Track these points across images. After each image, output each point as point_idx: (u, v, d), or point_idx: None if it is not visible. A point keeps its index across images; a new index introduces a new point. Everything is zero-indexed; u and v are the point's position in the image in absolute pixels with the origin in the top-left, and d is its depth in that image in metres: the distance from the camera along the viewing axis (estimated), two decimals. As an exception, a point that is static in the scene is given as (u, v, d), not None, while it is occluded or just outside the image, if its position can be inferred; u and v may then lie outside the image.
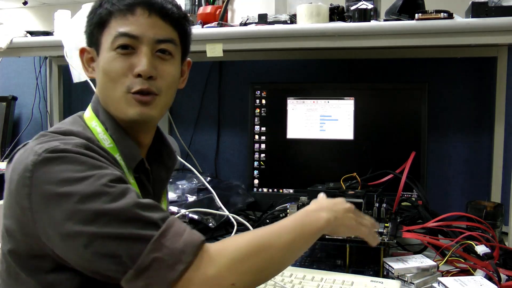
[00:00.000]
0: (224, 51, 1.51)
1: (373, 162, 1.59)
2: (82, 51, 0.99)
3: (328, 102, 1.69)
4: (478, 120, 1.72)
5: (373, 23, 1.39)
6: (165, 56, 0.94)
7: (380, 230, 1.27)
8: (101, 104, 0.96)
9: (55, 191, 0.77)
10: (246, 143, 1.80)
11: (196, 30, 1.40)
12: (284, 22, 1.47)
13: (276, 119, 1.73)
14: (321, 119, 1.69)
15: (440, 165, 1.75)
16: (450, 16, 1.30)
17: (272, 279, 1.08)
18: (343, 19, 1.48)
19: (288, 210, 1.39)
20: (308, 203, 1.42)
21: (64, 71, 2.15)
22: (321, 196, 1.06)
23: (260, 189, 1.76)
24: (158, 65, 0.93)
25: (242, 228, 1.49)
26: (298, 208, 1.39)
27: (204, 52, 1.52)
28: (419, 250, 1.37)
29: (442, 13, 1.30)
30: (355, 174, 1.48)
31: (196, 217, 1.49)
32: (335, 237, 1.23)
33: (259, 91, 1.75)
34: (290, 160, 1.73)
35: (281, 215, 1.62)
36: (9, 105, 2.25)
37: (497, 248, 1.23)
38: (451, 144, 1.75)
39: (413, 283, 1.16)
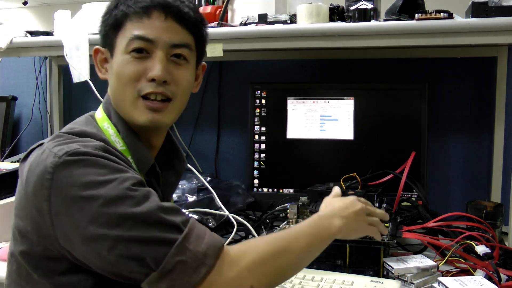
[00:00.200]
0: (224, 51, 1.51)
1: (373, 162, 1.59)
2: (96, 52, 0.98)
3: (328, 102, 1.69)
4: (478, 120, 1.72)
5: (373, 23, 1.39)
6: (180, 61, 0.94)
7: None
8: (113, 106, 0.96)
9: (78, 194, 0.77)
10: (246, 143, 1.80)
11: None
12: (284, 22, 1.47)
13: (276, 119, 1.73)
14: (321, 119, 1.69)
15: (440, 165, 1.75)
16: (450, 16, 1.30)
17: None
18: (343, 19, 1.48)
19: (288, 210, 1.39)
20: (308, 203, 1.43)
21: (64, 71, 2.15)
22: (335, 192, 1.11)
23: (260, 189, 1.76)
24: (173, 70, 0.93)
25: (242, 228, 1.49)
26: (298, 208, 1.40)
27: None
28: (419, 250, 1.36)
29: (442, 13, 1.30)
30: (355, 174, 1.48)
31: (196, 217, 1.49)
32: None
33: (259, 91, 1.75)
34: (290, 160, 1.73)
35: (281, 215, 1.62)
36: (9, 105, 2.25)
37: (497, 248, 1.23)
38: (451, 144, 1.75)
39: (413, 283, 1.16)
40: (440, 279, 1.12)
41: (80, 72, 1.65)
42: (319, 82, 1.83)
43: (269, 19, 1.49)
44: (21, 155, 2.17)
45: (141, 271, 0.75)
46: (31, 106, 2.30)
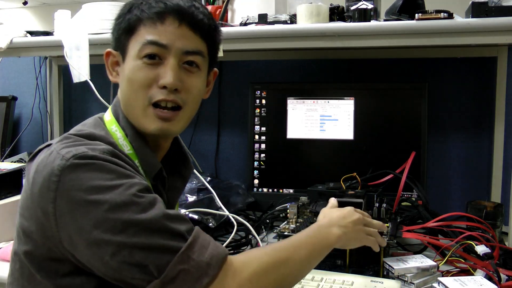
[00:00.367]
0: (224, 51, 1.50)
1: (373, 162, 1.59)
2: (108, 54, 0.98)
3: (328, 102, 1.69)
4: (478, 120, 1.72)
5: (373, 23, 1.39)
6: (192, 69, 0.93)
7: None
8: (122, 110, 0.96)
9: (83, 198, 0.77)
10: (246, 143, 1.80)
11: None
12: (284, 22, 1.47)
13: (276, 119, 1.73)
14: (321, 119, 1.69)
15: (440, 165, 1.75)
16: (450, 16, 1.30)
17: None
18: (343, 19, 1.48)
19: (288, 210, 1.39)
20: (308, 203, 1.43)
21: (64, 71, 2.15)
22: (332, 203, 1.14)
23: (260, 189, 1.76)
24: (184, 77, 0.92)
25: (242, 228, 1.49)
26: (298, 208, 1.40)
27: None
28: (419, 250, 1.36)
29: (442, 13, 1.30)
30: (355, 174, 1.48)
31: (196, 217, 1.49)
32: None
33: (259, 91, 1.75)
34: (290, 160, 1.73)
35: (281, 215, 1.62)
36: (9, 105, 2.25)
37: (497, 248, 1.23)
38: (451, 144, 1.75)
39: (413, 283, 1.16)
40: (440, 279, 1.12)
41: (80, 72, 1.65)
42: (319, 82, 1.83)
43: (269, 19, 1.49)
44: (21, 155, 2.17)
45: (143, 278, 0.75)
46: (31, 106, 2.30)
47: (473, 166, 1.73)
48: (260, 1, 1.57)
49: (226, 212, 1.53)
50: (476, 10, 1.28)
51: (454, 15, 1.31)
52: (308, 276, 1.14)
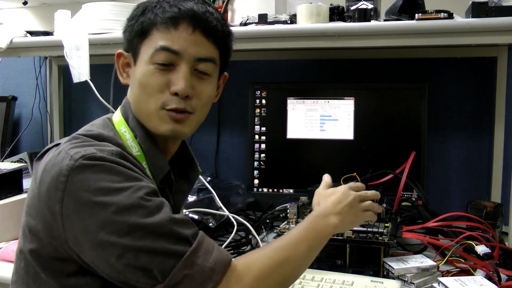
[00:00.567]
0: (224, 51, 1.51)
1: (373, 162, 1.59)
2: (119, 56, 0.98)
3: (328, 102, 1.69)
4: (478, 120, 1.72)
5: (373, 23, 1.39)
6: (203, 75, 0.93)
7: (380, 230, 1.27)
8: (132, 111, 0.95)
9: (91, 199, 0.77)
10: (246, 143, 1.80)
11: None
12: (284, 22, 1.47)
13: (276, 119, 1.73)
14: (321, 119, 1.69)
15: (440, 165, 1.75)
16: (450, 16, 1.30)
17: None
18: (343, 19, 1.48)
19: (288, 210, 1.39)
20: (308, 203, 1.43)
21: (64, 71, 2.15)
22: (325, 181, 1.15)
23: (260, 189, 1.76)
24: (195, 84, 0.92)
25: (242, 228, 1.49)
26: (298, 208, 1.40)
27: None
28: (419, 250, 1.36)
29: (442, 13, 1.30)
30: (355, 174, 1.48)
31: (196, 217, 1.49)
32: (335, 237, 1.23)
33: (259, 91, 1.75)
34: (290, 160, 1.73)
35: (281, 215, 1.62)
36: (9, 105, 2.25)
37: (497, 248, 1.23)
38: (451, 144, 1.75)
39: (413, 283, 1.16)
40: (440, 279, 1.12)
41: (80, 72, 1.65)
42: (319, 82, 1.83)
43: (269, 19, 1.49)
44: (21, 155, 2.17)
45: (147, 282, 0.76)
46: (31, 106, 2.30)
47: (473, 166, 1.73)
48: (260, 1, 1.57)
49: (226, 212, 1.53)
50: (476, 10, 1.28)
51: (454, 15, 1.31)
52: (308, 276, 1.14)
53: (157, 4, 0.92)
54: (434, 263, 1.22)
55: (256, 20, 1.50)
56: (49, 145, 0.89)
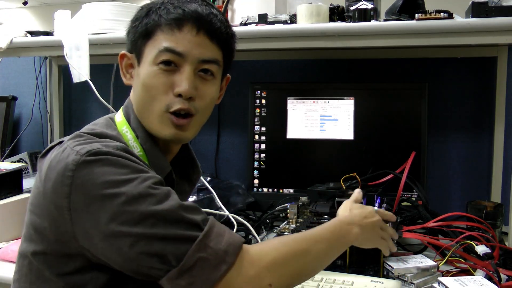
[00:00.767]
0: (224, 51, 1.51)
1: (373, 162, 1.59)
2: (122, 57, 0.98)
3: (328, 102, 1.69)
4: (478, 120, 1.72)
5: (373, 23, 1.39)
6: (206, 77, 0.94)
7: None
8: (135, 112, 0.96)
9: (99, 192, 0.77)
10: (246, 143, 1.80)
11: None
12: (284, 22, 1.47)
13: (276, 119, 1.73)
14: (321, 119, 1.69)
15: (440, 165, 1.75)
16: (450, 16, 1.30)
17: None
18: (343, 19, 1.48)
19: (288, 210, 1.39)
20: (308, 203, 1.43)
21: (64, 71, 2.15)
22: (356, 196, 1.17)
23: (260, 189, 1.76)
24: (199, 85, 0.93)
25: (242, 228, 1.49)
26: (298, 208, 1.40)
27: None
28: (419, 250, 1.37)
29: (442, 13, 1.30)
30: (355, 174, 1.48)
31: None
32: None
33: (259, 91, 1.75)
34: (290, 160, 1.73)
35: (281, 215, 1.62)
36: (9, 105, 2.25)
37: (497, 248, 1.23)
38: (451, 144, 1.75)
39: (413, 283, 1.16)
40: (440, 279, 1.12)
41: (80, 72, 1.65)
42: (319, 82, 1.83)
43: (269, 19, 1.49)
44: (21, 155, 2.17)
45: (162, 267, 0.76)
46: (31, 106, 2.30)
47: (473, 166, 1.73)
48: (260, 1, 1.57)
49: (226, 212, 1.53)
50: (476, 10, 1.28)
51: (454, 15, 1.31)
52: (308, 276, 1.14)
53: (161, 6, 0.92)
54: (434, 263, 1.22)
55: (256, 20, 1.50)
56: (52, 143, 0.89)
